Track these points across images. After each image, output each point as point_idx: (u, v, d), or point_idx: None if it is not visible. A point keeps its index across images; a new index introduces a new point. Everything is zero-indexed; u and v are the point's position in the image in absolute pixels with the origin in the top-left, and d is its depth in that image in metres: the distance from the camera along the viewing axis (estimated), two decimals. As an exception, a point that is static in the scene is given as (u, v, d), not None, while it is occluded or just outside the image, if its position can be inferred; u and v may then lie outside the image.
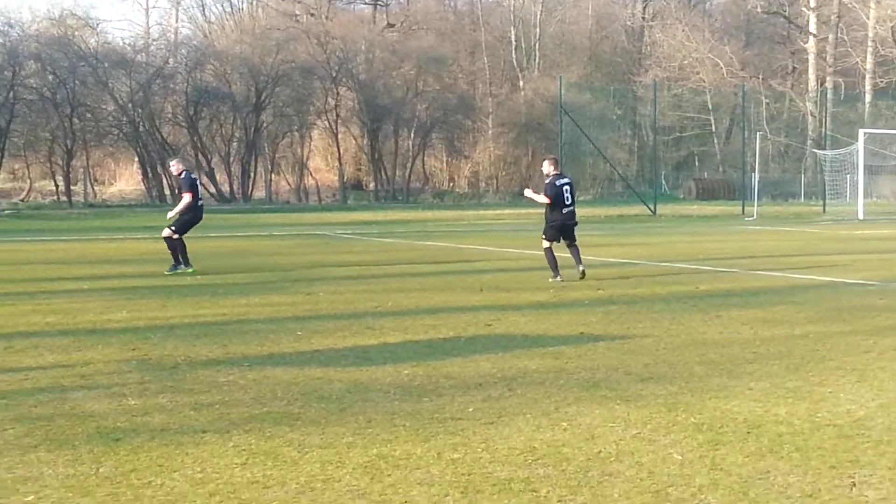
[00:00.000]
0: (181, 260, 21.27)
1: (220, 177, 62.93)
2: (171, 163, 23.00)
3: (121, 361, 11.46)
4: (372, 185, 69.19)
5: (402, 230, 38.00)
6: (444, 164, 74.87)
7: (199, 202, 21.93)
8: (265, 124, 63.52)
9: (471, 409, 9.15)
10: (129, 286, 18.82)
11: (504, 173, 73.87)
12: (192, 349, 12.20)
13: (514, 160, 74.23)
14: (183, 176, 21.76)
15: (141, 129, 60.24)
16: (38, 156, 61.80)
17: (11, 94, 56.82)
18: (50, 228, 38.22)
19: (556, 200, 19.61)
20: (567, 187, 19.82)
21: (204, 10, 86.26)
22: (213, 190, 61.92)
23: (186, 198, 21.31)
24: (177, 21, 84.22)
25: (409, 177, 68.51)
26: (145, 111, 60.20)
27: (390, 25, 76.89)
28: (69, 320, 14.64)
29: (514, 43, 77.54)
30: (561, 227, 19.84)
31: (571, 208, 19.90)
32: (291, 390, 9.93)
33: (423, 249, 28.27)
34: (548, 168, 20.16)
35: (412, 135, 68.13)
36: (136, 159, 62.77)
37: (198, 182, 22.42)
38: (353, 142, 69.68)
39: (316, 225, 41.55)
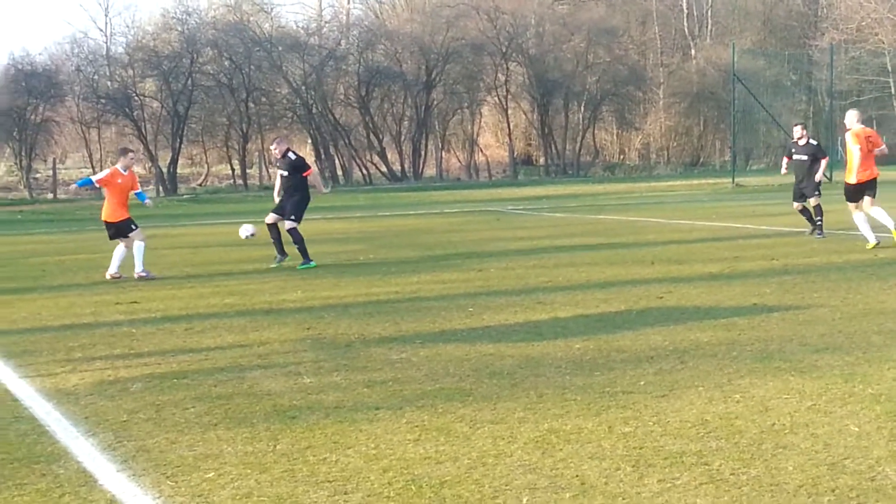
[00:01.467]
0: (304, 254, 19.17)
1: (392, 156, 63.28)
2: (273, 144, 20.52)
3: (296, 341, 11.70)
4: (542, 160, 68.82)
5: (573, 204, 37.85)
6: (615, 137, 74.10)
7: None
8: (435, 102, 63.60)
9: (642, 383, 9.12)
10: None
11: (675, 144, 72.88)
12: (365, 327, 12.38)
13: (685, 130, 73.18)
14: (292, 156, 19.85)
15: (314, 111, 60.85)
16: (214, 141, 62.90)
17: (190, 81, 58.01)
18: (227, 212, 39.01)
19: None
20: None
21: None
22: (384, 169, 62.46)
23: (315, 171, 19.79)
24: (349, 2, 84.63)
25: (580, 150, 68.00)
26: (318, 93, 60.85)
27: (560, -2, 76.47)
28: (246, 301, 14.98)
29: (685, 11, 76.35)
30: None
31: None
32: (463, 366, 10.01)
33: (593, 223, 28.19)
34: (801, 132, 22.80)
35: (582, 108, 67.57)
36: (310, 141, 63.52)
37: None
38: (524, 117, 69.45)
39: (486, 201, 41.68)
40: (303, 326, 12.60)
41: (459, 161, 67.32)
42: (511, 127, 67.14)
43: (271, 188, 22.57)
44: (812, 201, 22.13)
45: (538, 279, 16.45)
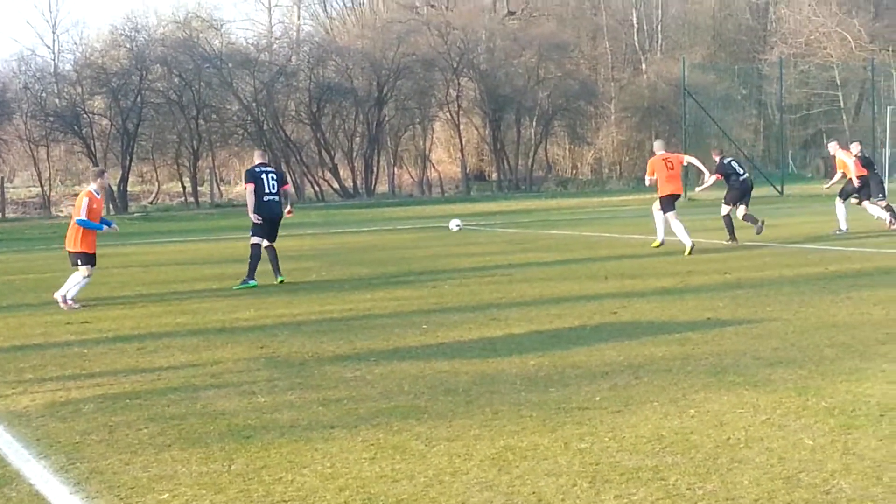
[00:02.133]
0: (250, 270, 19.08)
1: (344, 172, 63.13)
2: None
3: (250, 359, 11.64)
4: (495, 175, 68.89)
5: (526, 220, 37.93)
6: (567, 152, 74.27)
7: (265, 197, 19.19)
8: (387, 118, 63.56)
9: (597, 398, 9.14)
10: (257, 284, 19.02)
11: (627, 159, 73.06)
12: (319, 346, 12.34)
13: (637, 145, 73.34)
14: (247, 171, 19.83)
15: (265, 127, 60.69)
16: (165, 158, 62.60)
17: (139, 99, 57.71)
18: (178, 230, 38.87)
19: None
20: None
21: (325, 6, 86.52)
22: (336, 185, 62.33)
23: (248, 189, 19.29)
24: (299, 18, 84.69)
25: (532, 166, 68.07)
26: (269, 110, 60.69)
27: (511, 13, 76.50)
28: (199, 320, 14.90)
29: (636, 25, 76.66)
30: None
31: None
32: (418, 384, 9.99)
33: (546, 239, 28.25)
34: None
35: (534, 123, 67.67)
36: (261, 158, 63.48)
37: (261, 173, 19.40)
38: (475, 132, 69.51)
39: (439, 217, 41.63)
40: (256, 345, 12.55)
41: (412, 177, 67.31)
42: (463, 142, 67.22)
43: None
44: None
45: (492, 295, 16.46)
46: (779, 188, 51.96)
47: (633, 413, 8.59)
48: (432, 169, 67.58)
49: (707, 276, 18.06)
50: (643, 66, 75.24)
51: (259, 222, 19.13)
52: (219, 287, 18.91)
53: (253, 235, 19.21)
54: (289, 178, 20.57)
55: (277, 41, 72.22)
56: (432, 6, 75.67)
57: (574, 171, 73.66)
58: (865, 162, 27.25)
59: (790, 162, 73.07)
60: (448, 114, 66.78)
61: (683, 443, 7.67)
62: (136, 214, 52.06)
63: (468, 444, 7.87)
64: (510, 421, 8.49)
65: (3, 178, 58.75)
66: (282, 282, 19.16)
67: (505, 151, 68.01)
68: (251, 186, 19.18)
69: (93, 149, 57.45)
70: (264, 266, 19.16)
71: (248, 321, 14.65)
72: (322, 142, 62.19)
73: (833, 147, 27.98)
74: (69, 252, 17.28)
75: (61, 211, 56.73)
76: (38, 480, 7.37)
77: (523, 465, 7.27)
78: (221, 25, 71.46)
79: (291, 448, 7.93)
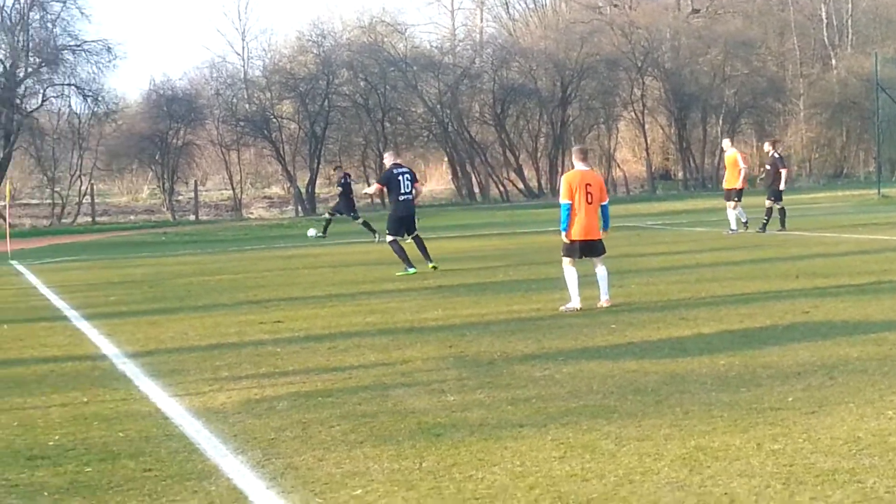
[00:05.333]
0: (405, 260, 21.31)
1: (528, 172, 63.19)
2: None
3: (439, 359, 11.73)
4: (680, 174, 68.30)
5: (713, 219, 37.29)
6: (754, 150, 73.17)
7: (401, 196, 21.40)
8: (571, 118, 63.39)
9: (790, 399, 8.98)
10: (444, 284, 19.18)
11: (817, 155, 71.59)
12: (507, 345, 12.37)
13: (827, 142, 71.86)
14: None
15: (450, 129, 61.10)
16: (351, 160, 63.40)
17: (326, 102, 58.65)
18: (365, 231, 39.29)
19: None
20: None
21: (508, 8, 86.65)
22: (521, 186, 62.38)
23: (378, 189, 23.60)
24: (482, 21, 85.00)
25: (719, 164, 67.04)
26: (453, 112, 61.07)
27: (695, 11, 75.57)
28: (388, 319, 15.06)
29: (825, 20, 74.97)
30: None
31: None
32: (607, 383, 9.95)
33: (734, 237, 27.83)
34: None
35: (720, 121, 66.86)
36: (446, 159, 63.85)
37: (398, 175, 21.48)
38: (661, 131, 68.87)
39: (625, 217, 41.26)
40: (445, 344, 12.64)
41: (596, 176, 66.96)
42: (648, 141, 66.70)
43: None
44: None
45: (680, 295, 16.30)
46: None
47: (828, 414, 8.43)
48: (617, 168, 67.21)
49: (903, 275, 17.58)
50: (833, 61, 73.60)
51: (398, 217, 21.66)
52: (406, 287, 19.12)
53: (390, 234, 21.58)
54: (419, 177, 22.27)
55: (461, 44, 72.72)
56: (615, 6, 75.18)
57: (761, 170, 72.34)
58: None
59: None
60: (633, 113, 66.39)
61: (881, 445, 7.49)
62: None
63: (658, 443, 7.82)
64: (701, 421, 8.40)
65: (196, 181, 60.33)
66: (434, 268, 21.09)
67: (691, 150, 67.34)
68: (378, 187, 23.06)
69: (282, 152, 58.69)
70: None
71: (437, 321, 14.77)
72: (506, 142, 62.38)
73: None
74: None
75: (251, 213, 58.03)
76: (235, 475, 7.56)
77: (715, 466, 7.19)
78: (405, 29, 72.18)
79: (481, 446, 7.97)
